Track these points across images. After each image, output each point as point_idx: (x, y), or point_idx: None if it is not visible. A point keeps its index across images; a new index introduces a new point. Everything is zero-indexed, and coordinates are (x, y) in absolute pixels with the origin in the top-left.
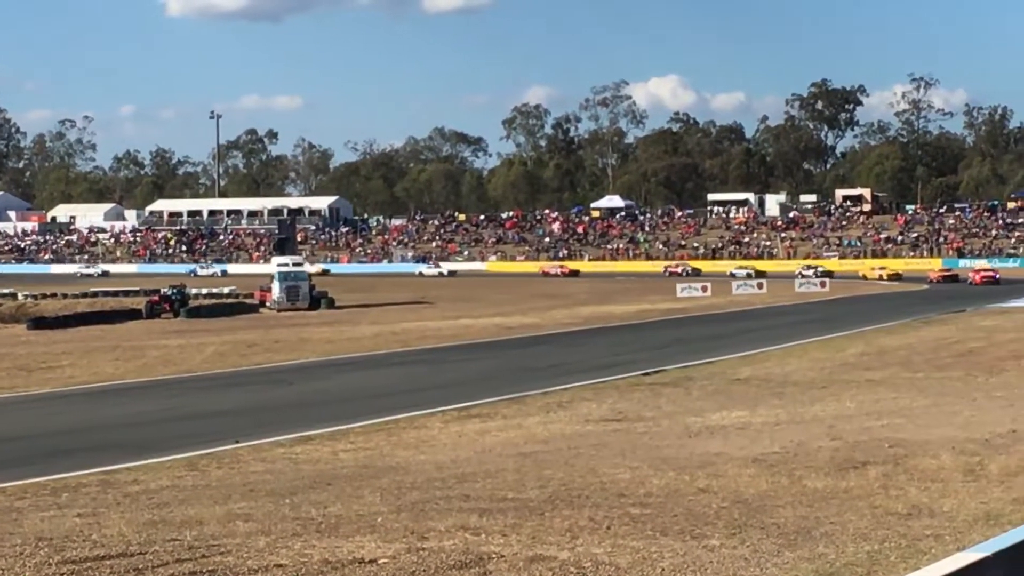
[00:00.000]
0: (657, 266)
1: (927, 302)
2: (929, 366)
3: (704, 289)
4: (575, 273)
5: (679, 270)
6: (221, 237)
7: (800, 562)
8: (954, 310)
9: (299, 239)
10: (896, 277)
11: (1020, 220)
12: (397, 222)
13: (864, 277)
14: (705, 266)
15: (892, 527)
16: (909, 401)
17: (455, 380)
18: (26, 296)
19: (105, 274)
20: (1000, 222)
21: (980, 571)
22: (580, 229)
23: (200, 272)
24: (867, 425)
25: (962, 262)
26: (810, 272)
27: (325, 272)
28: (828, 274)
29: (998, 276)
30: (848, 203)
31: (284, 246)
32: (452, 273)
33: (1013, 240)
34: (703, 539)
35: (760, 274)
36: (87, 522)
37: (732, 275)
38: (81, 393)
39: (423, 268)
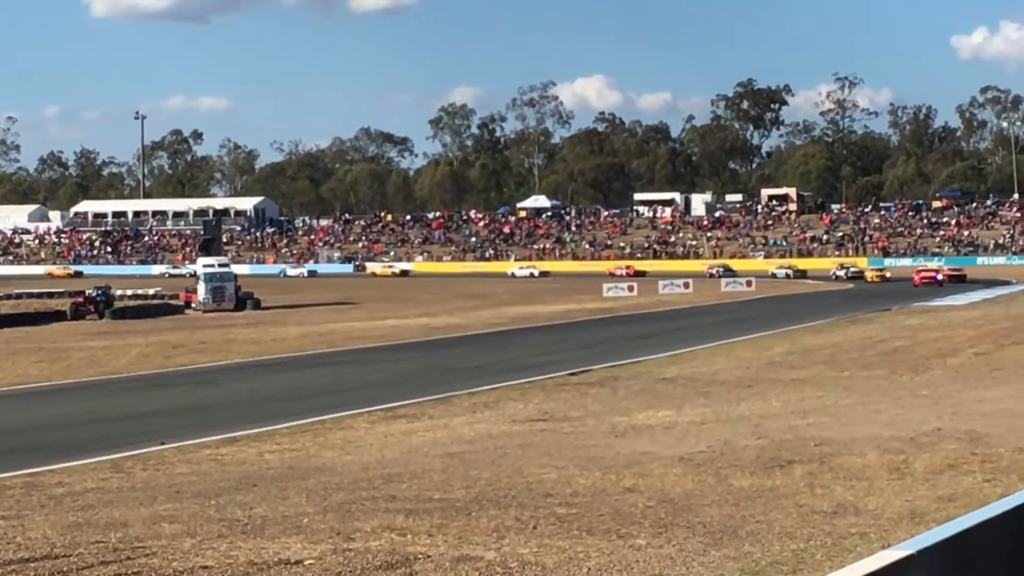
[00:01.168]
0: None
1: (853, 301)
2: (855, 365)
3: (631, 289)
4: (641, 274)
5: (713, 271)
6: (146, 238)
7: (726, 561)
8: (879, 309)
9: (224, 240)
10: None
11: (944, 219)
12: (323, 223)
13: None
14: (686, 266)
15: (817, 525)
16: (835, 400)
17: (381, 381)
18: None
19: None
20: (925, 221)
21: (905, 569)
22: (506, 229)
23: (290, 272)
24: (793, 424)
25: (887, 260)
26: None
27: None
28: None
29: (940, 277)
30: (774, 202)
31: (209, 247)
32: (405, 273)
33: (938, 239)
34: (629, 538)
35: (801, 273)
36: (11, 524)
37: (773, 275)
38: (5, 395)
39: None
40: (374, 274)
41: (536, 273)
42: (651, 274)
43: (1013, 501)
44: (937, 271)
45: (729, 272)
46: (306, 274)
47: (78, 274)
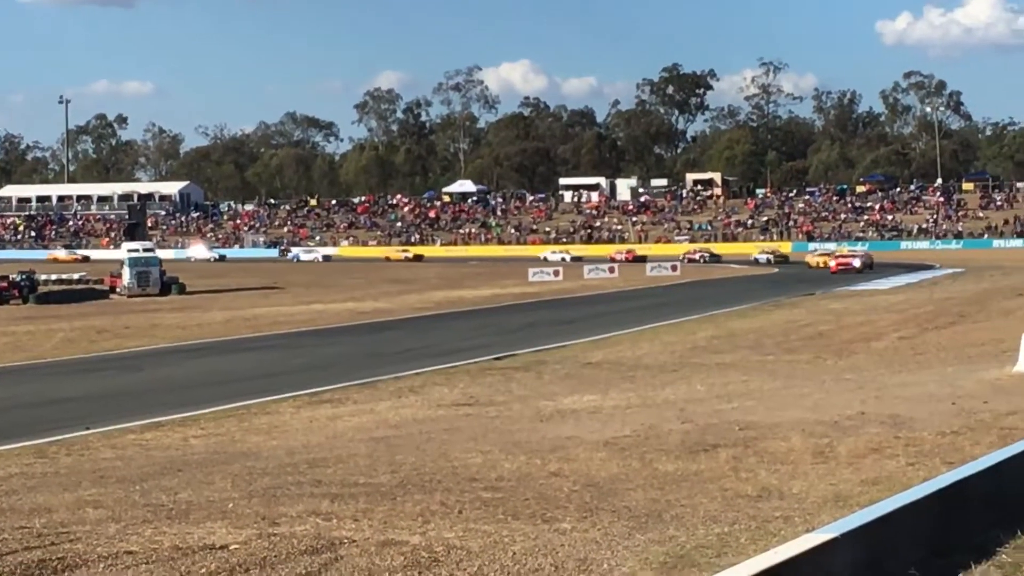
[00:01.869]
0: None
1: (778, 286)
2: (779, 349)
3: (556, 273)
4: (717, 259)
5: (697, 256)
6: (71, 223)
7: (651, 545)
8: (804, 293)
9: (150, 224)
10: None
11: (868, 204)
12: (248, 207)
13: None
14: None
15: (742, 509)
16: (759, 384)
17: (307, 365)
18: None
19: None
20: (849, 206)
21: (829, 552)
22: (432, 214)
23: (304, 257)
24: (718, 408)
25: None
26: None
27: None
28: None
29: (857, 264)
30: (699, 187)
31: (134, 232)
32: (419, 257)
33: (862, 223)
34: (554, 522)
35: (783, 259)
36: None
37: (755, 260)
38: None
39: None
40: (388, 259)
41: (568, 258)
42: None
43: (934, 485)
44: (853, 256)
45: (714, 257)
46: (321, 259)
47: (85, 259)
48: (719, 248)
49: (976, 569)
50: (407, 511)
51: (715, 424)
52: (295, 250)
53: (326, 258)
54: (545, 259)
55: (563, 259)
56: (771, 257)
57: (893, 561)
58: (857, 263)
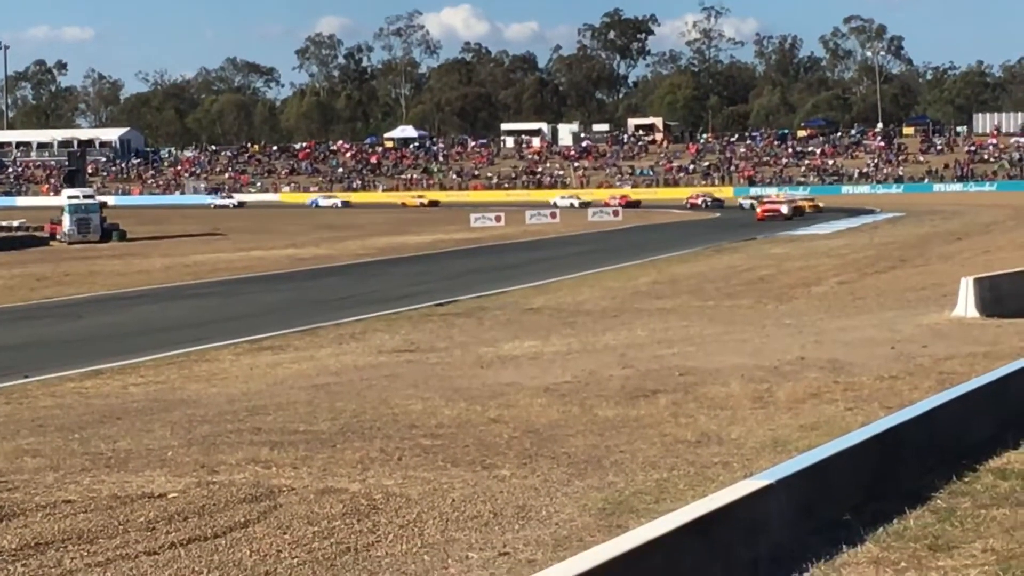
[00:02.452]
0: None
1: (719, 230)
2: (720, 294)
3: (498, 219)
4: (636, 204)
5: (699, 201)
6: (10, 169)
7: (590, 491)
8: (745, 238)
9: (90, 171)
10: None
11: (810, 148)
12: (189, 153)
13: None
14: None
15: (681, 455)
16: (700, 329)
17: (247, 312)
18: None
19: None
20: (790, 150)
21: (765, 498)
22: (373, 160)
23: (323, 203)
24: (658, 353)
25: (752, 190)
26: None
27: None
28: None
29: (785, 210)
30: (640, 132)
31: (74, 178)
32: (241, 204)
33: (803, 168)
34: (494, 469)
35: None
36: None
37: (740, 206)
38: None
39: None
40: (404, 204)
41: (576, 204)
42: (645, 204)
43: (870, 431)
44: (783, 202)
45: (717, 202)
46: (340, 204)
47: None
48: (662, 193)
49: (911, 514)
50: (346, 458)
51: (655, 370)
52: (315, 196)
53: (345, 204)
54: (555, 204)
55: (572, 204)
56: (707, 200)
57: (828, 507)
58: (785, 209)
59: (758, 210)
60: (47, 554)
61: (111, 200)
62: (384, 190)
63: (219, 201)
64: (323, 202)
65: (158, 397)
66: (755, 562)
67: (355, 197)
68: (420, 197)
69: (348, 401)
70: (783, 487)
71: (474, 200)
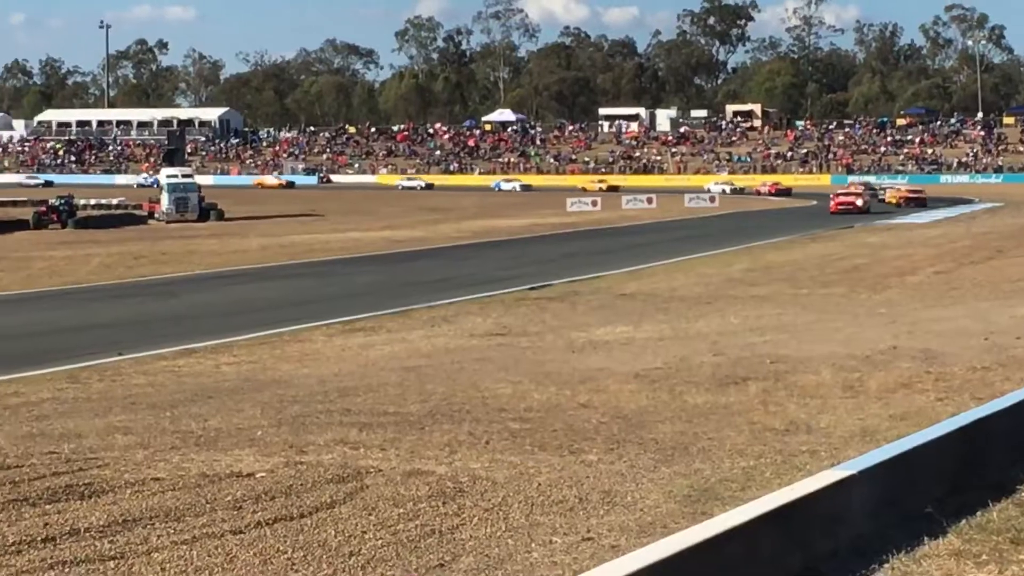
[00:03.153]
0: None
1: (816, 218)
2: (814, 282)
3: (594, 204)
4: (787, 192)
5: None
6: (110, 148)
7: (676, 477)
8: (842, 226)
9: (189, 150)
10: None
11: (909, 137)
12: (287, 134)
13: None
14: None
15: (769, 443)
16: (792, 317)
17: (341, 293)
18: None
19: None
20: (889, 139)
21: (846, 488)
22: (471, 143)
23: (504, 187)
24: (750, 341)
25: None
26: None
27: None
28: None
29: (860, 203)
30: (738, 119)
31: (173, 157)
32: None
33: (901, 156)
34: (581, 454)
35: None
36: None
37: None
38: None
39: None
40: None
41: (729, 190)
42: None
43: (957, 421)
44: (857, 195)
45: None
46: (423, 186)
47: (290, 184)
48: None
49: (995, 507)
50: (434, 441)
51: (746, 357)
52: (497, 179)
53: (428, 186)
54: (708, 190)
55: (724, 191)
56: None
57: (911, 498)
58: (860, 202)
59: (831, 203)
60: (134, 531)
61: (209, 180)
62: (480, 173)
63: (506, 185)
64: (504, 185)
65: (250, 377)
66: (835, 552)
67: (446, 180)
68: (512, 180)
69: (438, 384)
70: (865, 477)
71: (625, 184)
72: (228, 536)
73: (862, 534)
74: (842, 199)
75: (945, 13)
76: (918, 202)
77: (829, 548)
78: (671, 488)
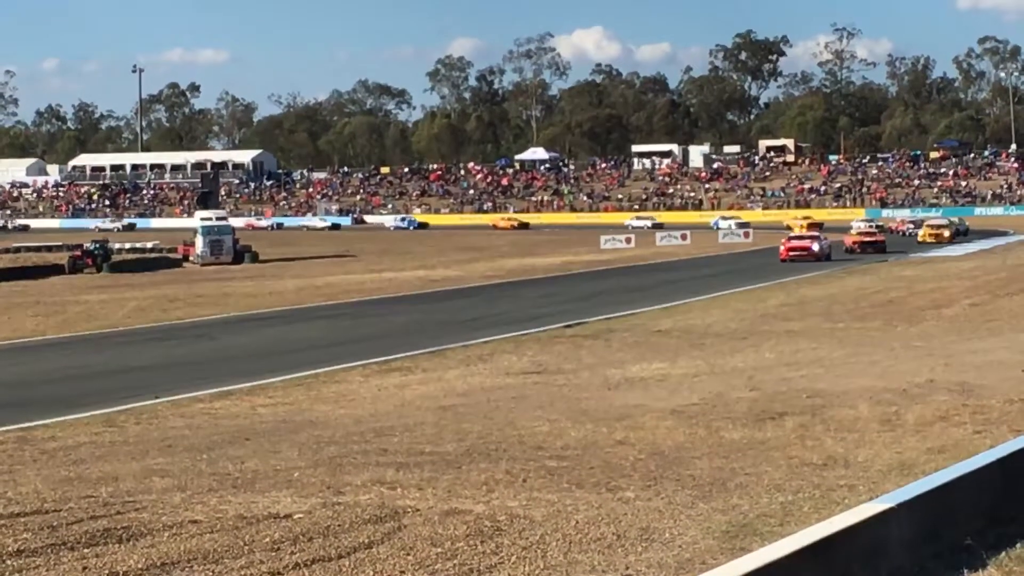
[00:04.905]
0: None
1: (849, 252)
2: (849, 316)
3: (628, 241)
4: (818, 226)
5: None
6: (144, 191)
7: (714, 514)
8: (876, 260)
9: (222, 193)
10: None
11: (942, 170)
12: (321, 175)
13: (788, 228)
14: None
15: (807, 478)
16: (828, 351)
17: (376, 334)
18: None
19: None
20: (922, 172)
21: (885, 521)
22: (504, 181)
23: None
24: (786, 376)
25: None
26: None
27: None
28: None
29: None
30: (771, 154)
31: (207, 200)
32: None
33: (935, 189)
34: (618, 491)
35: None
36: (2, 479)
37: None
38: (1, 350)
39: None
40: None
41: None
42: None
43: (995, 454)
44: (813, 238)
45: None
46: (416, 226)
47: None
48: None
49: None
50: (472, 480)
51: (783, 392)
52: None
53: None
54: (720, 225)
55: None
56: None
57: (951, 531)
58: (816, 247)
59: (781, 248)
60: (172, 574)
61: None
62: (515, 211)
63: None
64: (389, 222)
65: (286, 418)
66: None
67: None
68: (511, 220)
69: (474, 423)
70: (904, 510)
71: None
72: None
73: (902, 567)
74: (795, 244)
75: (978, 45)
76: (876, 247)
77: None
78: (709, 524)
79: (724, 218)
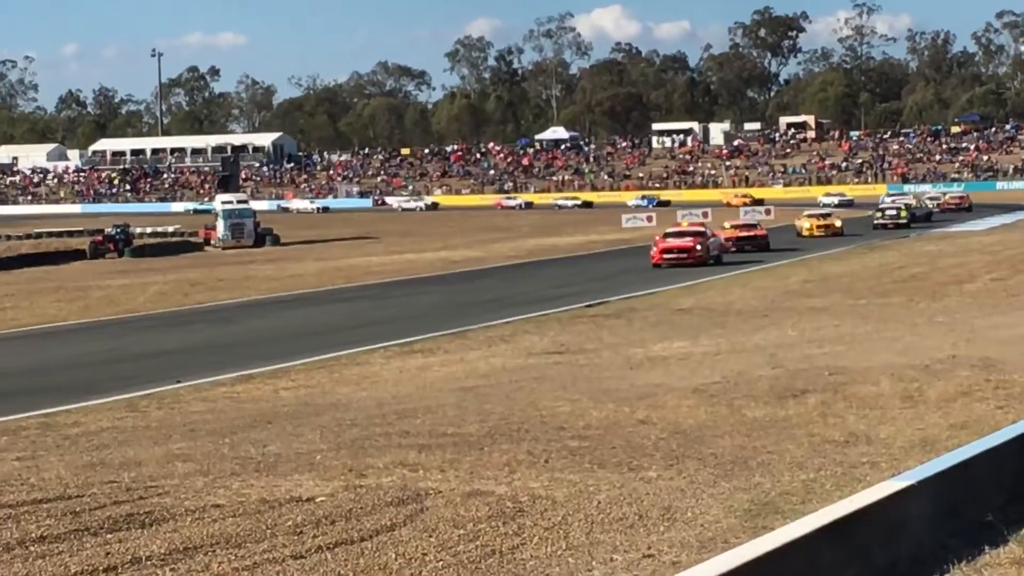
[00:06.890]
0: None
1: (872, 228)
2: (871, 293)
3: (649, 219)
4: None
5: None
6: (165, 175)
7: (736, 492)
8: (898, 236)
9: (243, 176)
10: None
11: (964, 144)
12: (341, 157)
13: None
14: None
15: (829, 455)
16: (851, 328)
17: (398, 315)
18: None
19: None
20: (944, 147)
21: (905, 499)
22: (525, 161)
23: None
24: (808, 353)
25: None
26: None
27: None
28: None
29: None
30: (792, 130)
31: (228, 183)
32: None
33: (957, 164)
34: (640, 471)
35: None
36: (25, 465)
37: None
38: (22, 335)
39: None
40: (728, 204)
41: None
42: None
43: (1016, 430)
44: (696, 236)
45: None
46: (570, 205)
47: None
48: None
49: None
50: (494, 461)
51: (805, 369)
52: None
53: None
54: (822, 203)
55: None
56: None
57: (971, 507)
58: (700, 247)
59: (653, 249)
60: (195, 558)
61: (263, 205)
62: (536, 191)
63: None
64: (406, 205)
65: (308, 401)
66: (895, 563)
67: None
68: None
69: (496, 403)
70: (924, 488)
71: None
72: (289, 561)
73: (922, 544)
74: (671, 243)
75: (996, 20)
76: (755, 243)
77: (889, 559)
78: (731, 503)
79: (828, 195)
